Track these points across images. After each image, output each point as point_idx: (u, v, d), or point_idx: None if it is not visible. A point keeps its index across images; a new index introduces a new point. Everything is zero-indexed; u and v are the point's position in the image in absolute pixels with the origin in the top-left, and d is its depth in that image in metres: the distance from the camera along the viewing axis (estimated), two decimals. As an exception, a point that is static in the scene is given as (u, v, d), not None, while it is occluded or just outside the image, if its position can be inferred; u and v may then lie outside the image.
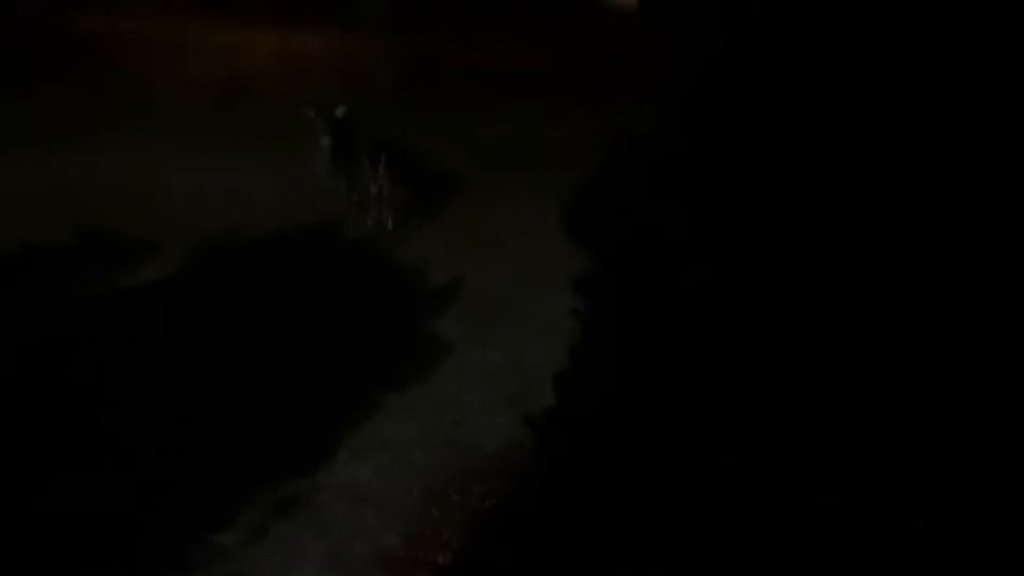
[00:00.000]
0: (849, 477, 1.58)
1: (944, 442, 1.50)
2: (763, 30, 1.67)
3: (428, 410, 4.86)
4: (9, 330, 5.37)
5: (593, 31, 21.98)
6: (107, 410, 4.66)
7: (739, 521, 1.66)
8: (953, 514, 1.50)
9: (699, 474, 1.71)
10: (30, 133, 9.54)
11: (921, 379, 1.50)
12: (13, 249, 6.33)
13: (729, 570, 1.65)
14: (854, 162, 1.60)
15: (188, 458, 4.33)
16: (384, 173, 7.41)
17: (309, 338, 5.56)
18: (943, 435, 1.50)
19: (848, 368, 1.56)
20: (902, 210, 1.50)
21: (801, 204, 1.61)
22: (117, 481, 4.12)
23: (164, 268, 6.41)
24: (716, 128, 1.68)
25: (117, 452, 4.33)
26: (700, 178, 1.70)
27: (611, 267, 1.90)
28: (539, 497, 2.17)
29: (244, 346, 5.39)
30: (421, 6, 20.32)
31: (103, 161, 8.87)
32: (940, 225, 1.48)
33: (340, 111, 7.46)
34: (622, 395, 1.81)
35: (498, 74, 15.28)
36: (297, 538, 3.90)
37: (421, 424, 4.72)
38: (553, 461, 2.06)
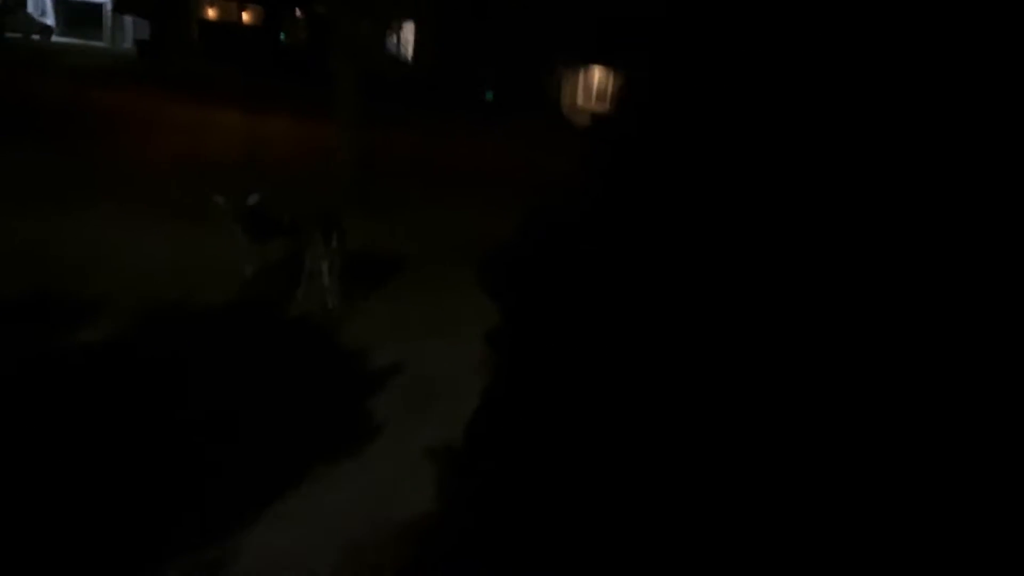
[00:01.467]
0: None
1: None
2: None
3: (357, 483, 4.89)
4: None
5: (557, 137, 22.99)
6: (30, 474, 4.60)
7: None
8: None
9: (616, 515, 1.83)
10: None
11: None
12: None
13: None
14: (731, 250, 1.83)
15: (106, 512, 4.28)
16: (336, 250, 7.61)
17: (242, 406, 5.59)
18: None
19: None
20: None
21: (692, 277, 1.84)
22: (37, 538, 4.05)
23: (106, 333, 6.43)
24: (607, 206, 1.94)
25: (45, 513, 4.27)
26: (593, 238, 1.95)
27: (515, 319, 2.11)
28: (448, 551, 2.28)
29: (175, 411, 5.40)
30: (393, 103, 21.10)
31: (63, 227, 8.91)
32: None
33: (253, 199, 7.56)
34: (526, 442, 1.97)
35: (459, 171, 15.87)
36: (211, 602, 3.86)
37: (349, 496, 4.74)
38: (456, 510, 2.19)
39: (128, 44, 35.95)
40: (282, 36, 33.86)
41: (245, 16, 35.19)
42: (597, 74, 31.71)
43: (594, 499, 1.88)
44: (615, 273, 1.87)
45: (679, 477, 1.81)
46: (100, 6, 38.35)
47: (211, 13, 35.14)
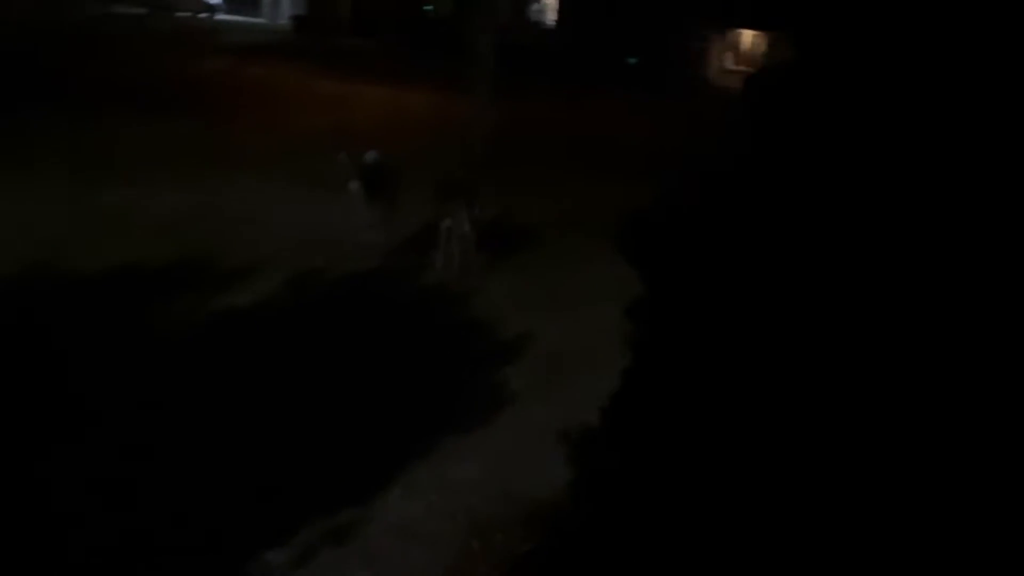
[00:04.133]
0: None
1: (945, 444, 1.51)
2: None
3: (489, 456, 4.88)
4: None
5: (695, 109, 22.20)
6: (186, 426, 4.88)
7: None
8: (952, 515, 1.46)
9: (752, 516, 1.70)
10: (154, 163, 10.24)
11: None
12: (116, 271, 6.80)
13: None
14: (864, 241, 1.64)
15: (248, 474, 4.47)
16: (477, 216, 7.67)
17: (380, 374, 5.70)
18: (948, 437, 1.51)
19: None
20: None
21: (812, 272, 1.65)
22: (185, 492, 4.29)
23: (256, 297, 6.73)
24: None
25: (189, 464, 4.52)
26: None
27: (663, 290, 1.94)
28: (575, 537, 2.17)
29: (317, 376, 5.57)
30: (535, 71, 21.02)
31: (216, 195, 9.40)
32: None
33: (371, 156, 7.76)
34: (671, 425, 1.82)
35: (594, 142, 15.55)
36: (342, 566, 3.94)
37: (480, 469, 4.74)
38: (592, 494, 2.07)
39: (284, 20, 37.63)
40: (431, 8, 34.35)
41: (395, -11, 35.87)
42: (745, 38, 30.55)
43: (721, 502, 1.73)
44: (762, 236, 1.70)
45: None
46: (260, -16, 40.24)
47: (362, -14, 36.09)
